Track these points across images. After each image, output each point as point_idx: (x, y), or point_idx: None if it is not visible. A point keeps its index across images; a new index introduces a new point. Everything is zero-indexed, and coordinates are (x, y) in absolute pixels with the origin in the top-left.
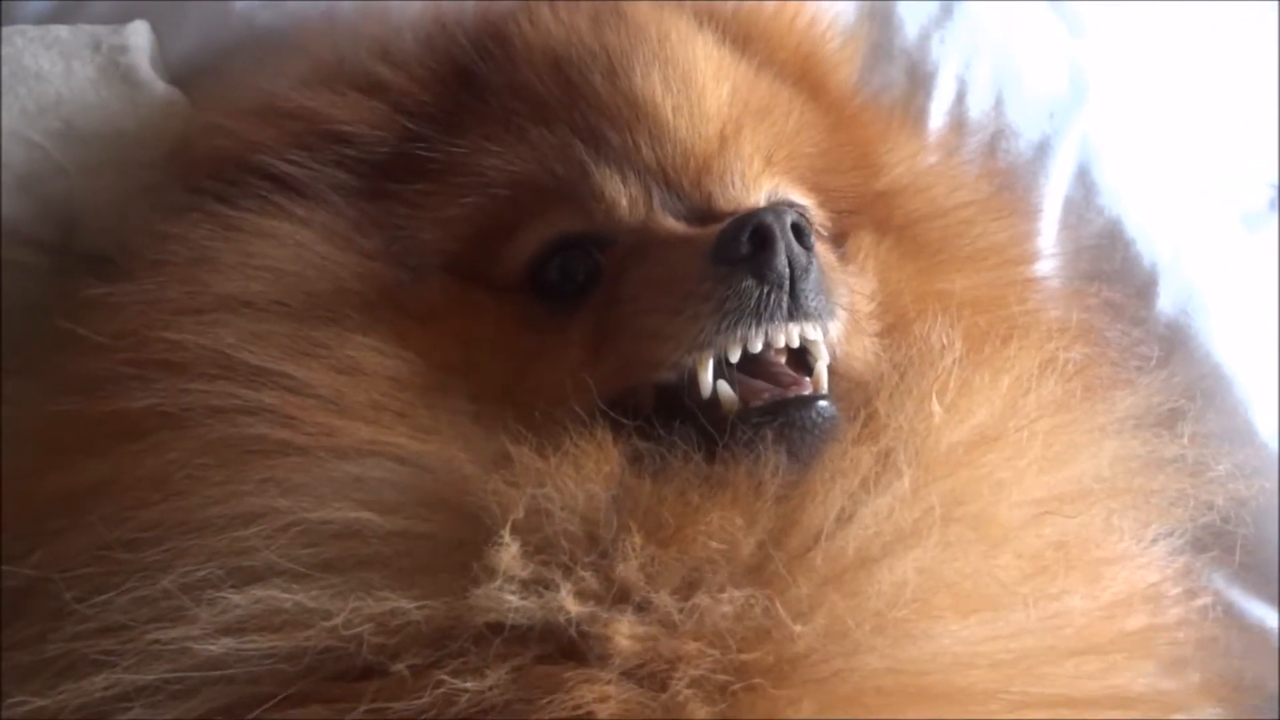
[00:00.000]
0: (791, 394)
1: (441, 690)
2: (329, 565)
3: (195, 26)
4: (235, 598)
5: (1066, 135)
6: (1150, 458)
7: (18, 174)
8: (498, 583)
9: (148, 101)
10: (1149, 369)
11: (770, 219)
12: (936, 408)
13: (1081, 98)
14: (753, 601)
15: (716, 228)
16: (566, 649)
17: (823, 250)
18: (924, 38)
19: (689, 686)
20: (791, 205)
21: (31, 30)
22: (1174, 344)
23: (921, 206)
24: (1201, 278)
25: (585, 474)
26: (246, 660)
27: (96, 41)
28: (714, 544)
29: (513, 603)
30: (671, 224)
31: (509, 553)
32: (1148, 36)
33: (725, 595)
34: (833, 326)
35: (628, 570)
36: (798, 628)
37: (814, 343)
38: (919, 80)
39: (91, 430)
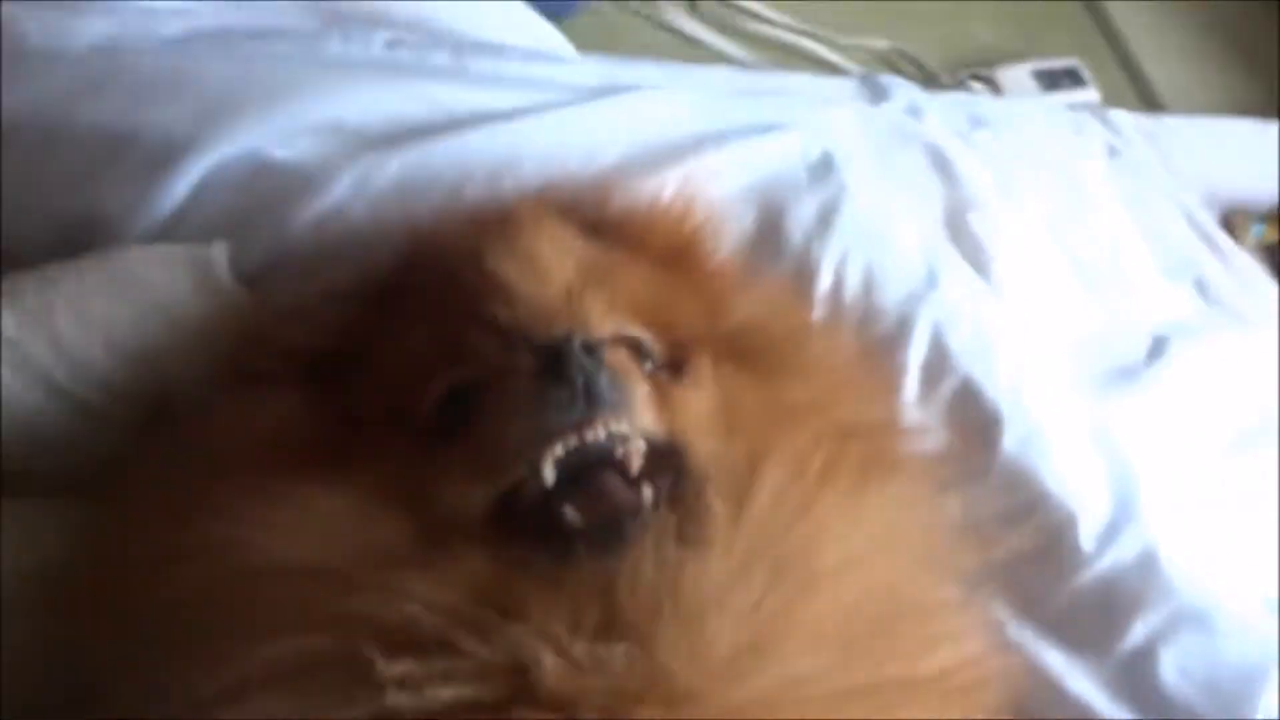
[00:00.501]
0: (621, 511)
1: None
2: (286, 681)
3: (260, 249)
4: (236, 711)
5: (922, 312)
6: (941, 518)
7: (134, 355)
8: (390, 690)
9: (226, 303)
10: (990, 493)
11: (561, 342)
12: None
13: (935, 282)
14: (634, 651)
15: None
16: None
17: (621, 360)
18: (807, 242)
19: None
20: (628, 337)
21: (142, 249)
22: (1013, 474)
23: (759, 339)
24: (1041, 421)
25: (447, 579)
26: None
27: (192, 257)
28: (561, 619)
29: (405, 702)
30: (520, 359)
31: (388, 665)
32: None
33: (612, 649)
34: (637, 414)
35: (511, 641)
36: (673, 664)
37: (625, 436)
38: (805, 275)
39: (137, 553)
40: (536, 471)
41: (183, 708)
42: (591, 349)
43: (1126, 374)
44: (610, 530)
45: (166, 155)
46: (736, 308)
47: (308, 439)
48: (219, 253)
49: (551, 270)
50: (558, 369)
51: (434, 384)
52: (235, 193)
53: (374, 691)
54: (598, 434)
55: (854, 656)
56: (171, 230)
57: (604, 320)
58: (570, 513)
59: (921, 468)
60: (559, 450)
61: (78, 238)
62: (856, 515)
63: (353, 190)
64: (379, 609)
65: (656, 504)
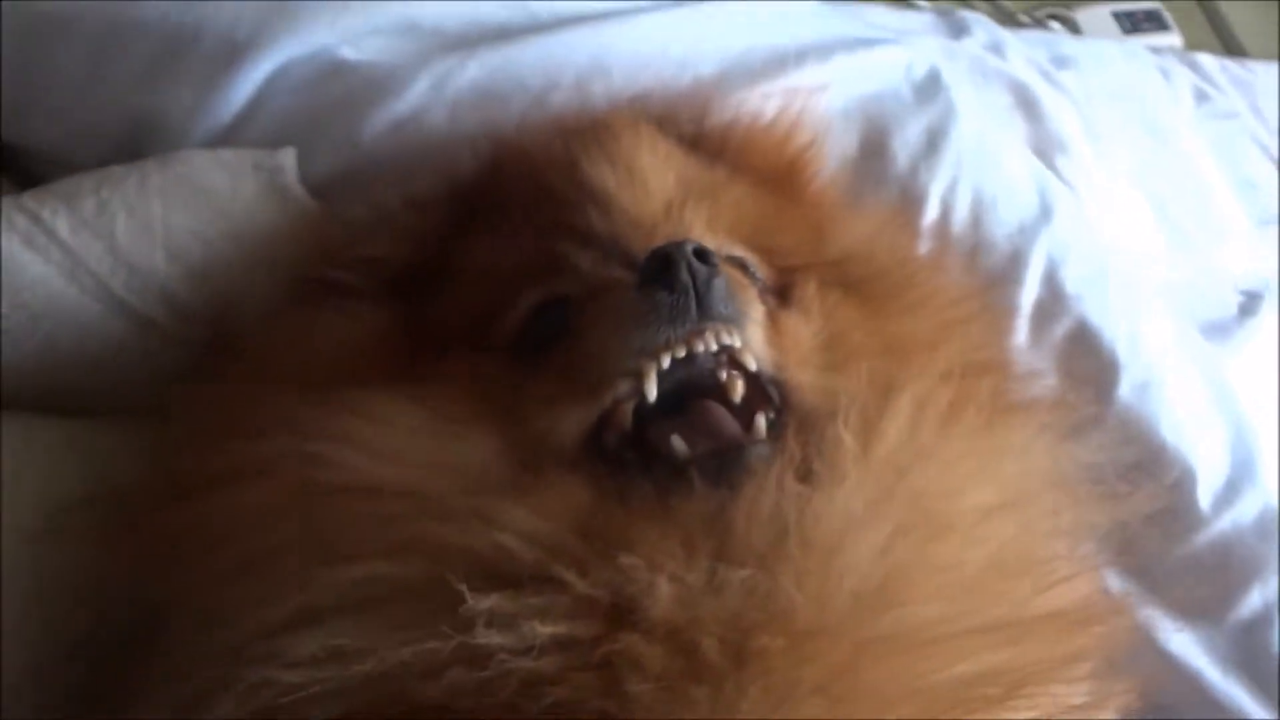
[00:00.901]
0: (731, 442)
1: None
2: (367, 610)
3: (331, 156)
4: (309, 638)
5: (1035, 246)
6: (1073, 470)
7: (195, 266)
8: (479, 627)
9: (296, 212)
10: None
11: (671, 246)
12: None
13: (1049, 213)
14: (756, 580)
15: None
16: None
17: (735, 274)
18: (913, 167)
19: (715, 651)
20: (733, 258)
21: (206, 153)
22: (1129, 424)
23: (868, 267)
24: (1157, 368)
25: (546, 508)
26: (325, 690)
27: (258, 163)
28: (671, 549)
29: (496, 640)
30: (618, 272)
31: (477, 600)
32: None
33: (730, 575)
34: (751, 333)
35: (610, 578)
36: (798, 599)
37: (737, 350)
38: (910, 201)
39: (201, 474)
40: (638, 389)
41: (248, 634)
42: (705, 255)
43: (1218, 330)
44: (726, 462)
45: (230, 54)
46: (842, 234)
47: (387, 354)
48: (287, 158)
49: (652, 182)
50: (667, 275)
51: (523, 298)
52: (302, 96)
53: (461, 626)
54: (709, 344)
55: (973, 601)
56: (234, 135)
57: (707, 238)
58: (678, 443)
59: (1044, 413)
60: (665, 363)
61: (137, 141)
62: (985, 459)
63: (429, 95)
64: (469, 537)
65: (771, 435)
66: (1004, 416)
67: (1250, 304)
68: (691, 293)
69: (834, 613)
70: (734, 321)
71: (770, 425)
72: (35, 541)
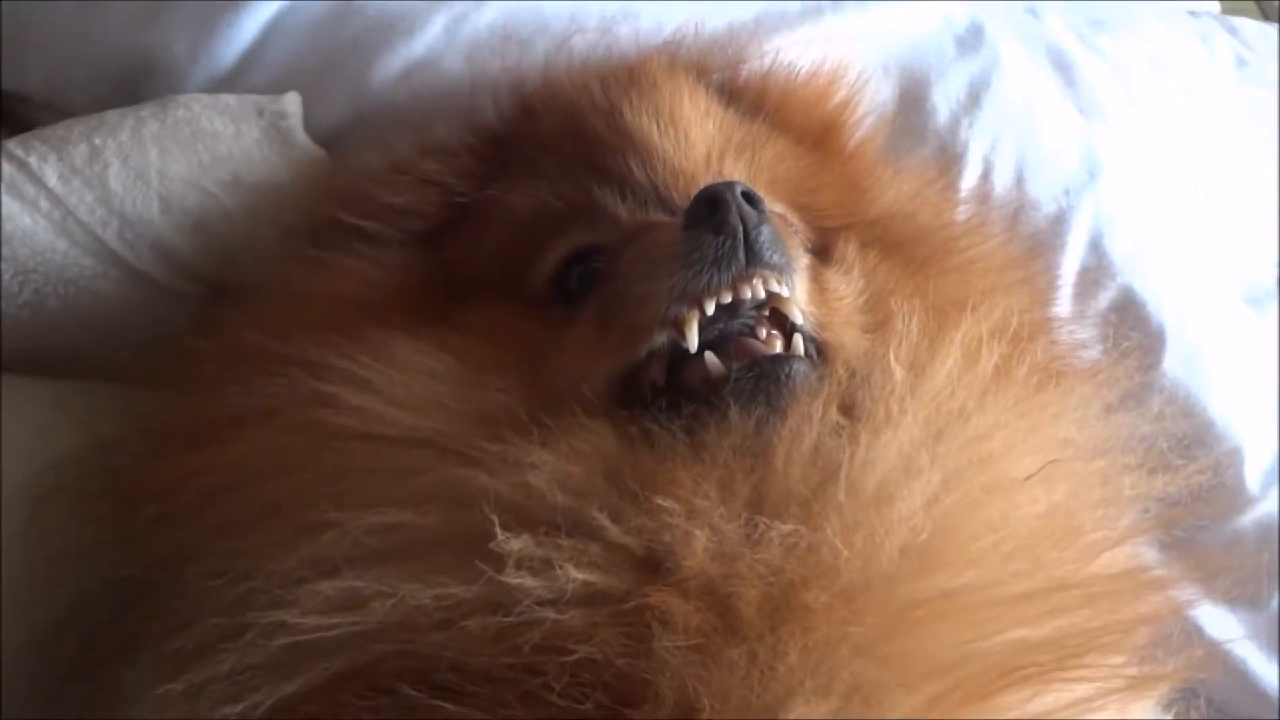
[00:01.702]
0: (769, 356)
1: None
2: (385, 557)
3: (339, 102)
4: (323, 585)
5: (1080, 209)
6: (1122, 440)
7: (192, 215)
8: (509, 568)
9: (301, 160)
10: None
11: (721, 186)
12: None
13: (1094, 176)
14: (799, 533)
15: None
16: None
17: (779, 223)
18: (954, 122)
19: (753, 608)
20: (774, 213)
21: (206, 98)
22: (1176, 397)
23: (909, 229)
24: (1205, 340)
25: (576, 453)
26: (342, 637)
27: (260, 108)
28: (708, 494)
29: (528, 583)
30: (655, 216)
31: (507, 539)
32: (1157, 121)
33: (771, 526)
34: (797, 283)
35: (642, 524)
36: (844, 553)
37: (784, 299)
38: (949, 160)
39: (202, 424)
40: (676, 339)
41: (257, 582)
42: (753, 198)
43: (1255, 301)
44: (764, 374)
45: None
46: (882, 194)
47: (409, 300)
48: (292, 104)
49: (693, 132)
50: (715, 216)
51: (555, 246)
52: (309, 39)
53: (488, 569)
54: (756, 291)
55: (1022, 563)
56: (236, 81)
57: None
58: (712, 360)
59: (1092, 381)
60: (709, 308)
61: (134, 87)
62: (1036, 420)
63: (444, 38)
64: (496, 481)
65: (811, 362)
66: (1054, 380)
67: None
68: (740, 236)
69: (880, 569)
70: (782, 270)
71: (809, 357)
72: (29, 503)
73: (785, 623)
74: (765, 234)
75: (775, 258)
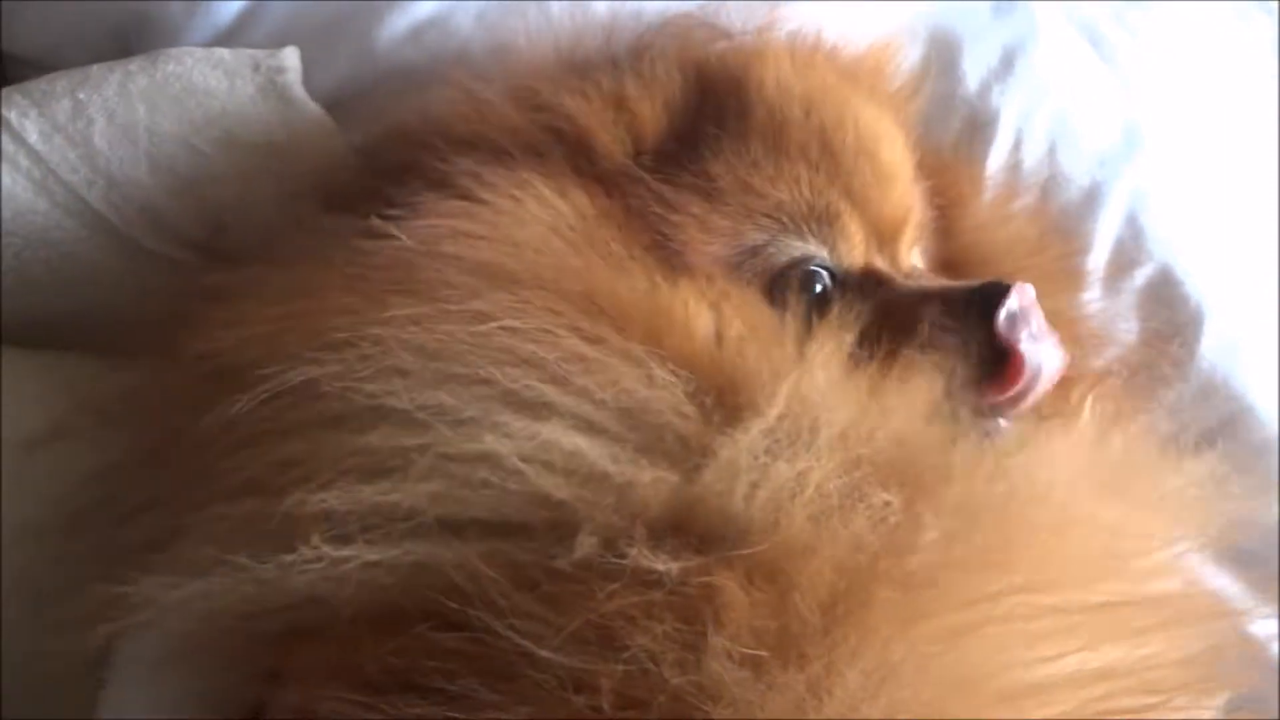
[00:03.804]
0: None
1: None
2: (614, 424)
3: (343, 59)
4: (538, 425)
5: (1117, 183)
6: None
7: (182, 177)
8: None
9: (300, 118)
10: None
11: (1020, 290)
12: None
13: (1133, 149)
14: (891, 506)
15: (967, 285)
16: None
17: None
18: (985, 89)
19: (812, 601)
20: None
21: (198, 52)
22: (1213, 382)
23: (979, 252)
24: (1245, 324)
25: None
26: (526, 500)
27: (256, 63)
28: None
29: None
30: (879, 264)
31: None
32: (1199, 93)
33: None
34: None
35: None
36: (930, 534)
37: None
38: (978, 128)
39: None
40: None
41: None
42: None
43: None
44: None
45: None
46: (970, 217)
47: (603, 249)
48: (291, 58)
49: (903, 182)
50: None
51: (784, 246)
52: None
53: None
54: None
55: (1083, 578)
56: (236, 37)
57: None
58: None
59: (1119, 385)
60: None
61: (128, 46)
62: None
63: None
64: None
65: None
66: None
67: None
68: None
69: (954, 556)
70: None
71: None
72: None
73: (844, 622)
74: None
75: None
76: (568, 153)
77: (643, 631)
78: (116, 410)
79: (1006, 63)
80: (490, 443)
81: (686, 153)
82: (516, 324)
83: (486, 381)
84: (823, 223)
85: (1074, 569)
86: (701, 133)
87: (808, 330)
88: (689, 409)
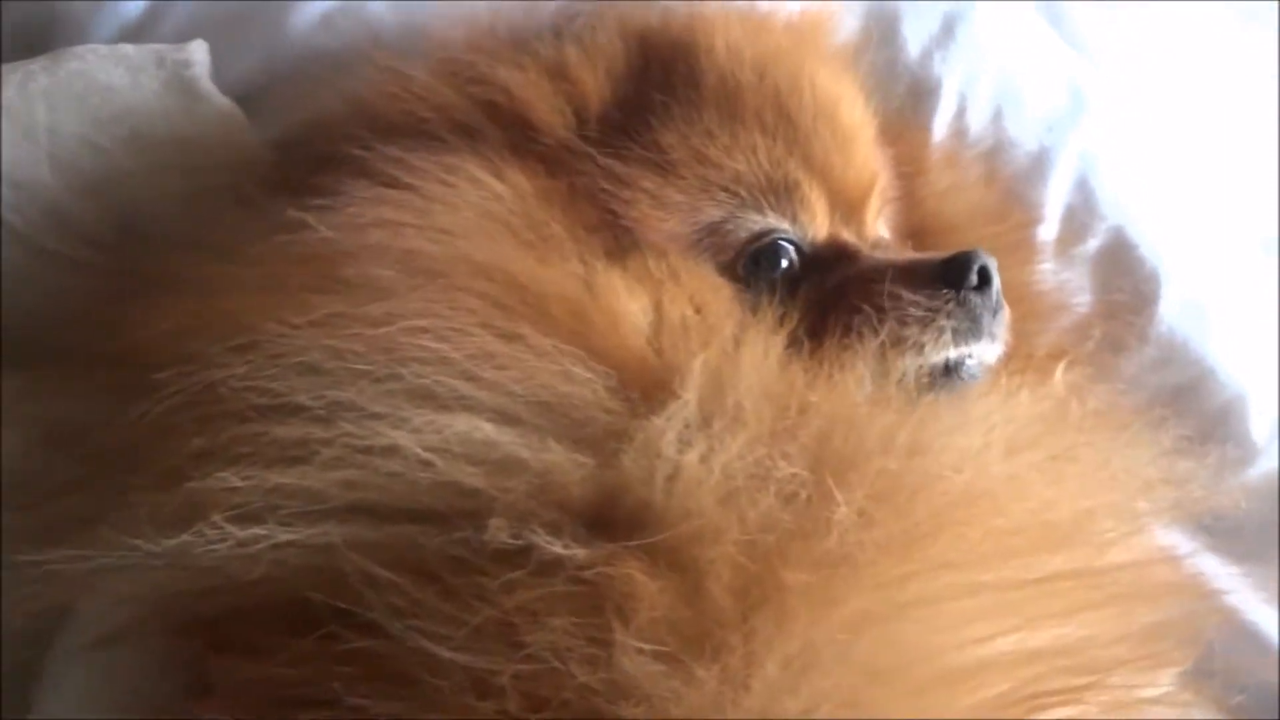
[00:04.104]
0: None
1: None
2: (529, 415)
3: (253, 50)
4: (447, 418)
5: (1065, 147)
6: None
7: (87, 177)
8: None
9: (208, 112)
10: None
11: (991, 262)
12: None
13: (1079, 111)
14: (800, 479)
15: (936, 258)
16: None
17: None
18: (926, 56)
19: (723, 586)
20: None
21: (102, 49)
22: (1173, 346)
23: (941, 221)
24: (1203, 284)
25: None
26: (437, 489)
27: (161, 58)
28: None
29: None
30: (893, 251)
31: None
32: (1150, 56)
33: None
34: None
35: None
36: (841, 509)
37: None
38: (921, 96)
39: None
40: None
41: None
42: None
43: (1268, 246)
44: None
45: None
46: (930, 185)
47: (543, 229)
48: (197, 51)
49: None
50: (983, 291)
51: (745, 220)
52: None
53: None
54: (982, 358)
55: (1028, 553)
56: (145, 32)
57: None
58: None
59: (1075, 359)
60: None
61: (34, 45)
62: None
63: None
64: None
65: None
66: (1027, 367)
67: None
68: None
69: (873, 536)
70: (995, 340)
71: None
72: None
73: (760, 608)
74: (1001, 310)
75: (998, 330)
76: (505, 129)
77: (546, 626)
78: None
79: (947, 29)
80: (396, 436)
81: (634, 123)
82: (427, 323)
83: (394, 378)
84: (782, 194)
85: (1007, 544)
86: (649, 101)
87: (757, 312)
88: (611, 403)
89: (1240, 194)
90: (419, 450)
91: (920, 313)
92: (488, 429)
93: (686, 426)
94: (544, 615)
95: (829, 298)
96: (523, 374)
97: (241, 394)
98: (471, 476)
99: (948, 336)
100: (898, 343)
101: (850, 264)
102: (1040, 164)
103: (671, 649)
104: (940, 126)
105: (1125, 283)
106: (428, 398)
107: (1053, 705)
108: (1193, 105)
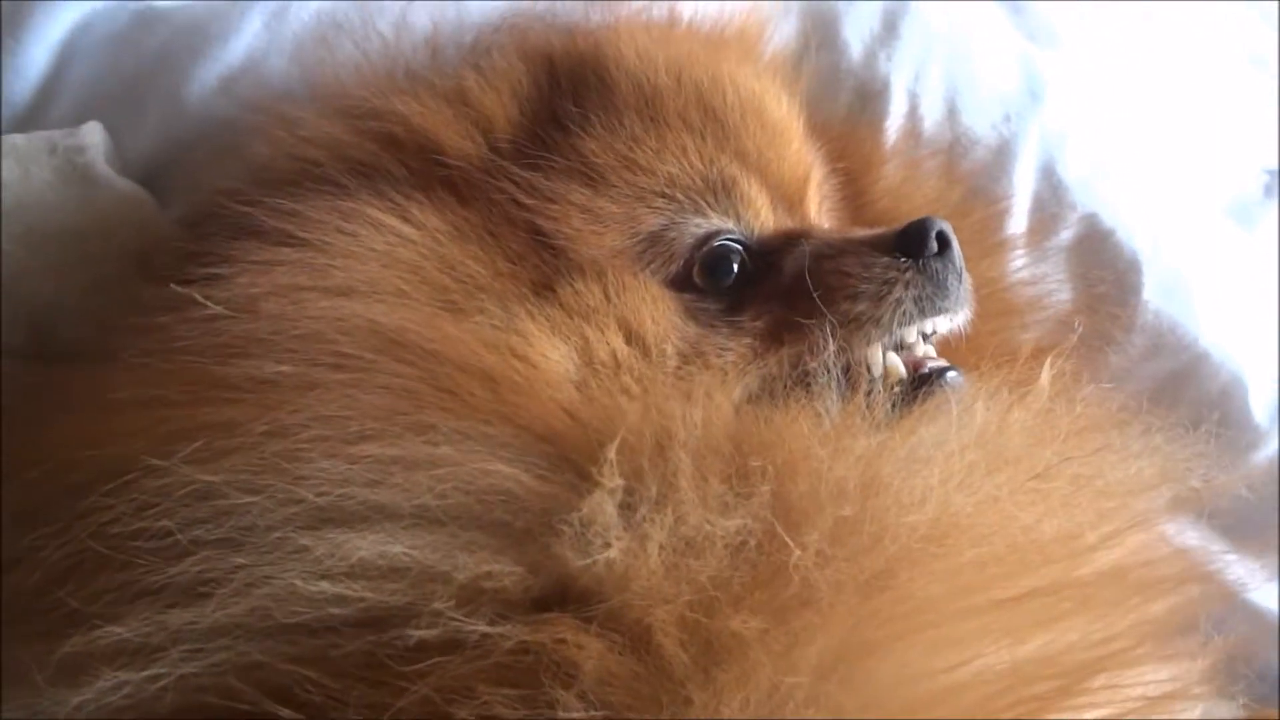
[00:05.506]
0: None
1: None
2: (450, 518)
3: (153, 124)
4: (356, 540)
5: (1026, 135)
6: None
7: None
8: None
9: (108, 197)
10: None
11: (947, 226)
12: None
13: (1038, 98)
14: (748, 529)
15: (892, 229)
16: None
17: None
18: (870, 56)
19: (673, 640)
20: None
21: None
22: (1160, 332)
23: (897, 215)
24: (1186, 264)
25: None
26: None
27: (53, 145)
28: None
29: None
30: (849, 230)
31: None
32: (1109, 35)
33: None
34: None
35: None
36: (795, 553)
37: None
38: (869, 98)
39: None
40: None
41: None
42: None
43: (1240, 212)
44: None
45: (13, 11)
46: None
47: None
48: (91, 135)
49: (791, 122)
50: (946, 254)
51: (686, 225)
52: (110, 56)
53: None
54: (953, 324)
55: (1017, 562)
56: (39, 116)
57: (819, 207)
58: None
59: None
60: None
61: None
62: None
63: (266, 35)
64: None
65: None
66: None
67: (1275, 183)
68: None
69: (833, 576)
70: (963, 307)
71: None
72: None
73: (721, 661)
74: (965, 275)
75: (964, 296)
76: (406, 162)
77: (478, 699)
78: None
79: (889, 26)
80: (298, 571)
81: (552, 135)
82: (328, 431)
83: (294, 501)
84: (720, 193)
85: (986, 572)
86: (563, 112)
87: (716, 332)
88: (539, 486)
89: (1200, 162)
90: (325, 585)
91: (875, 286)
92: (402, 543)
93: (621, 506)
94: (478, 690)
95: (790, 291)
96: (437, 475)
97: (125, 540)
98: (392, 594)
99: (908, 307)
100: (854, 321)
101: (804, 244)
102: (1002, 155)
103: (622, 707)
104: (893, 127)
105: (1106, 273)
106: (331, 520)
107: (1035, 713)
108: (1156, 82)
